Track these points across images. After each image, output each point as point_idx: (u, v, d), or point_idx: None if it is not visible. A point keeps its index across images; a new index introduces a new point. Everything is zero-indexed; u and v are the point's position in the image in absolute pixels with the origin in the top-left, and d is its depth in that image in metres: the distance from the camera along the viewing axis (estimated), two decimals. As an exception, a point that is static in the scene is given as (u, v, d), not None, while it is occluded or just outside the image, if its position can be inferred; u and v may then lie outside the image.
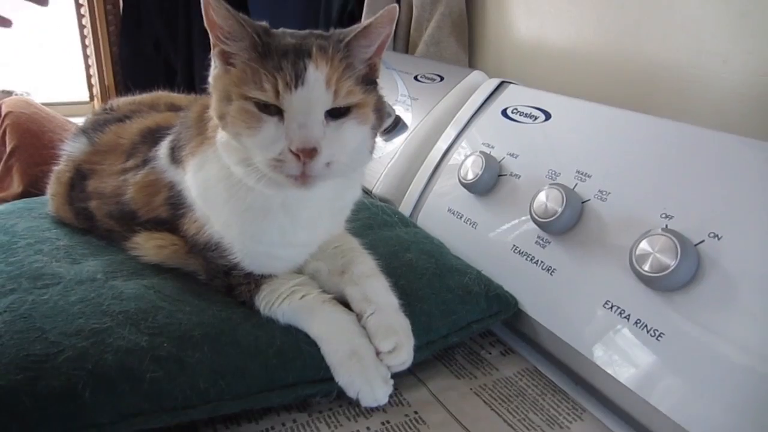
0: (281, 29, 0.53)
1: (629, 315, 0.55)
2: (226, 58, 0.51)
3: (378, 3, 1.50)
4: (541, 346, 0.64)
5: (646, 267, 0.52)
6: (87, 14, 1.88)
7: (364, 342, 0.54)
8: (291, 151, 0.47)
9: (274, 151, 0.47)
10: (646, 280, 0.53)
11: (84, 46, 1.96)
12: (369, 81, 0.53)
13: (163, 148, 0.63)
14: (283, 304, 0.57)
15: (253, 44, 0.49)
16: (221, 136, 0.53)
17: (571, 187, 0.64)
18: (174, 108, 0.78)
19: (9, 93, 1.93)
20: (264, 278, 0.59)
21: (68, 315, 0.52)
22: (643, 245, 0.53)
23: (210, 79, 0.54)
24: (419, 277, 0.65)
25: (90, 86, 2.03)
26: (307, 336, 0.56)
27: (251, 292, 0.58)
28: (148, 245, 0.63)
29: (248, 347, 0.53)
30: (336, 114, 0.50)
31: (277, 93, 0.47)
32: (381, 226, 0.78)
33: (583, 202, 0.63)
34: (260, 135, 0.47)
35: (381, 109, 0.55)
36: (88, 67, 2.00)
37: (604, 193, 0.62)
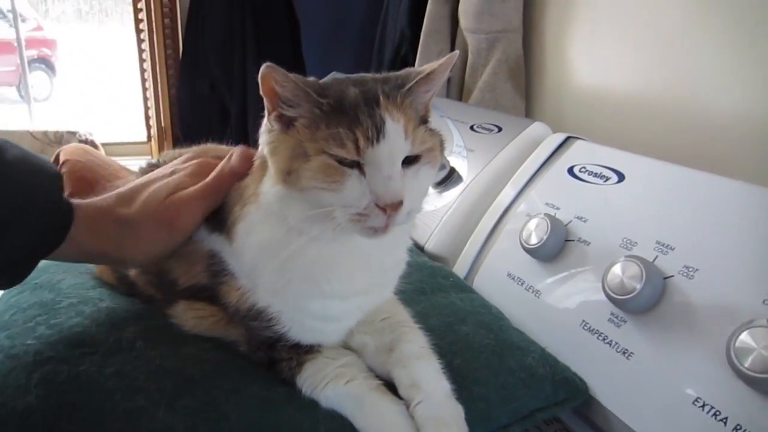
0: (331, 75, 0.52)
1: (726, 418, 0.47)
2: (286, 121, 0.49)
3: (431, 49, 1.49)
4: (616, 441, 0.57)
5: (748, 364, 0.45)
6: (148, 59, 1.94)
7: None
8: (377, 205, 0.45)
9: (359, 206, 0.46)
10: (749, 380, 0.45)
11: (144, 89, 2.02)
12: (424, 121, 0.52)
13: None
14: (327, 388, 0.52)
15: (317, 104, 0.47)
16: (277, 191, 0.49)
17: (651, 260, 0.58)
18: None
19: (73, 133, 2.00)
20: (308, 356, 0.55)
21: (103, 391, 0.49)
22: (745, 338, 0.46)
23: (265, 140, 0.51)
24: (476, 355, 0.59)
25: (148, 127, 2.08)
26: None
27: (293, 370, 0.54)
28: (187, 315, 0.60)
29: (289, 434, 0.49)
30: (408, 161, 0.48)
31: (357, 149, 0.45)
32: (435, 291, 0.72)
33: (665, 278, 0.57)
34: (345, 190, 0.46)
35: (443, 147, 0.53)
36: (147, 108, 2.06)
37: (690, 269, 0.56)
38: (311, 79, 0.50)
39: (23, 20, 5.15)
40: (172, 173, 0.60)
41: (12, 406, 0.47)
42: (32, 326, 0.58)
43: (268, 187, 0.51)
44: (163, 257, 0.58)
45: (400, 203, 0.46)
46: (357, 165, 0.46)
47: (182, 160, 0.64)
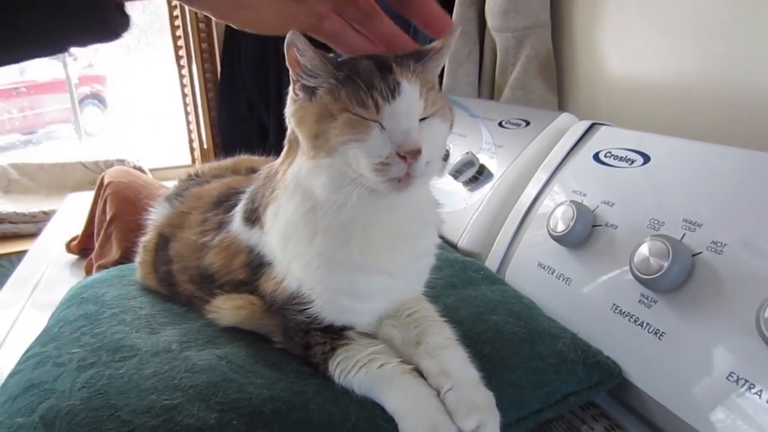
0: (347, 56, 0.55)
1: (760, 391, 0.46)
2: (309, 91, 0.52)
3: (460, 51, 1.49)
4: (653, 423, 0.55)
5: (779, 334, 0.44)
6: (189, 84, 2.02)
7: (446, 420, 0.49)
8: (398, 154, 0.48)
9: (383, 154, 0.49)
10: (781, 351, 0.44)
11: (186, 113, 2.10)
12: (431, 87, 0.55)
13: (237, 213, 0.63)
14: (360, 372, 0.53)
15: (333, 74, 0.51)
16: (304, 164, 0.53)
17: (678, 239, 0.57)
18: (254, 171, 0.78)
19: (122, 161, 2.10)
20: (341, 341, 0.56)
21: (141, 390, 0.52)
22: (773, 308, 0.44)
23: (290, 111, 0.54)
24: (506, 343, 0.59)
25: (191, 150, 2.16)
26: (383, 411, 0.51)
27: (326, 354, 0.55)
28: (226, 306, 0.62)
29: (320, 424, 0.49)
30: (422, 119, 0.52)
31: (376, 107, 0.49)
32: (465, 285, 0.73)
33: (693, 256, 0.55)
34: (369, 140, 0.49)
35: (452, 109, 0.56)
36: (189, 132, 2.13)
37: (718, 244, 0.54)
38: (331, 55, 0.53)
39: (75, 59, 5.45)
40: None
41: (58, 408, 0.50)
42: (77, 336, 0.62)
43: (296, 168, 0.54)
44: None
45: (418, 151, 0.49)
46: (377, 123, 0.50)
47: None
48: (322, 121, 0.50)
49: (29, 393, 0.52)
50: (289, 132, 0.56)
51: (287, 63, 0.51)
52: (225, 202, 0.67)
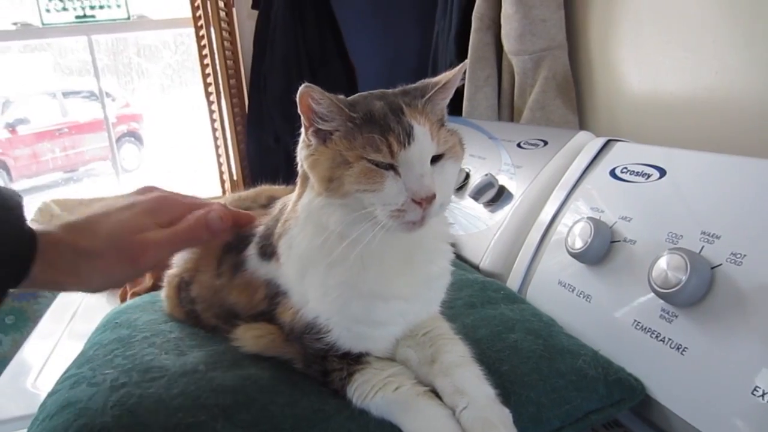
0: (357, 95, 0.56)
1: (784, 404, 0.45)
2: (323, 135, 0.54)
3: (478, 75, 1.51)
4: (679, 440, 0.54)
5: (799, 345, 0.43)
6: (218, 119, 2.08)
7: None
8: (413, 200, 0.50)
9: (397, 202, 0.50)
10: (801, 361, 0.43)
11: (216, 147, 2.16)
12: (441, 123, 0.56)
13: (252, 248, 0.65)
14: (376, 396, 0.54)
15: (350, 118, 0.52)
16: (315, 199, 0.54)
17: (697, 251, 0.56)
18: (275, 199, 0.80)
19: (155, 194, 2.16)
20: (357, 366, 0.57)
21: (169, 409, 0.53)
22: (792, 318, 0.44)
23: (303, 155, 0.56)
24: (524, 361, 0.59)
25: (222, 182, 2.21)
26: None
27: (344, 380, 0.56)
28: (246, 336, 0.64)
29: (340, 441, 0.51)
30: (435, 159, 0.53)
31: (391, 152, 0.50)
32: (484, 304, 0.73)
33: (712, 268, 0.55)
34: (384, 190, 0.50)
35: (462, 144, 0.58)
36: (219, 165, 2.19)
37: (738, 256, 0.54)
38: (341, 96, 0.54)
39: (113, 99, 5.67)
40: (131, 205, 0.60)
41: (91, 426, 0.52)
42: (110, 358, 0.64)
43: (307, 201, 0.56)
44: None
45: (433, 196, 0.50)
46: (392, 167, 0.51)
47: (140, 191, 0.64)
48: (337, 167, 0.52)
49: (65, 411, 0.54)
50: (300, 170, 0.58)
51: (300, 111, 0.53)
52: (237, 240, 0.68)
